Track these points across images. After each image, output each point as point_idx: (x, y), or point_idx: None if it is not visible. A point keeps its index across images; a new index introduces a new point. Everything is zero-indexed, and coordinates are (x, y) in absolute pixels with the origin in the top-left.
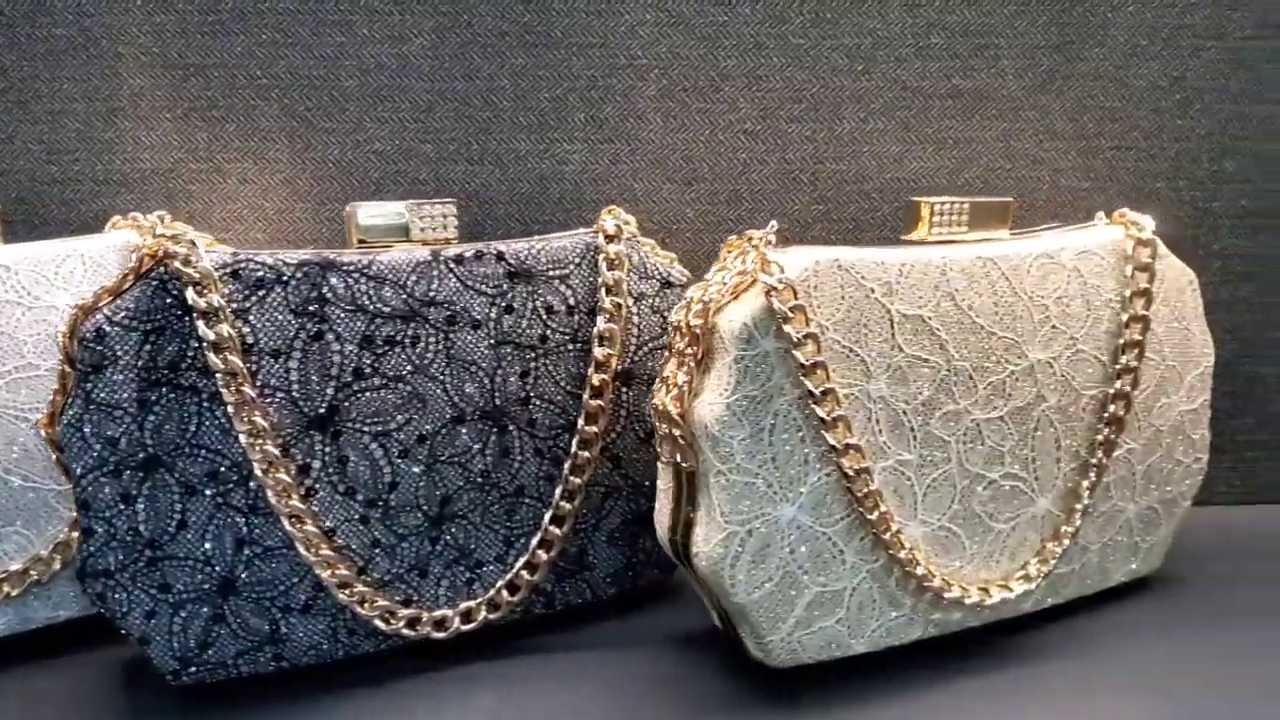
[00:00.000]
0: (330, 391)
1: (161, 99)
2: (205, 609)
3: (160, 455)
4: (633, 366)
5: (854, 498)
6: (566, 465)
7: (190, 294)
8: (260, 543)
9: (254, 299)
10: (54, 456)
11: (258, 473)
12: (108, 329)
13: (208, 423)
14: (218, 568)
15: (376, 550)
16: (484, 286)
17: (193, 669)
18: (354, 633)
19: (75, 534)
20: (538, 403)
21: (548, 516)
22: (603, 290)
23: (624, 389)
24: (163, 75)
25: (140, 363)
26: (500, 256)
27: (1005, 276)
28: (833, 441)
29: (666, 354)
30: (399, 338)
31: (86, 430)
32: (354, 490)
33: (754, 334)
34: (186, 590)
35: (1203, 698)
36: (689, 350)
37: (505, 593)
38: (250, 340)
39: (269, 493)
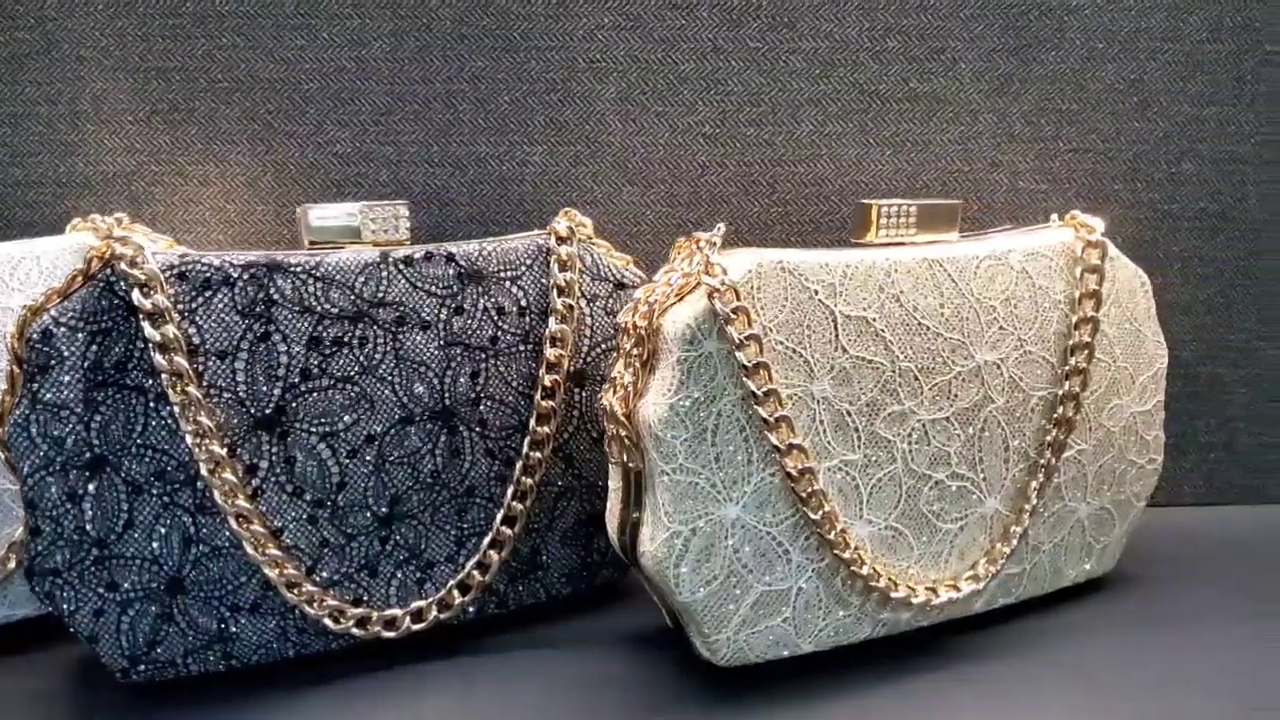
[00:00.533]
0: (277, 392)
1: (124, 102)
2: (153, 607)
3: (107, 455)
4: (585, 367)
5: (798, 498)
6: (518, 466)
7: (136, 295)
8: (208, 542)
9: (200, 300)
10: (2, 456)
11: (204, 473)
12: (54, 330)
13: (154, 423)
14: (165, 567)
15: (325, 550)
16: (433, 288)
17: (142, 667)
18: (304, 632)
19: None
20: (488, 403)
21: (499, 517)
22: (554, 292)
23: (577, 390)
24: (125, 79)
25: (87, 363)
26: (450, 258)
27: (951, 278)
28: (776, 442)
29: (615, 355)
30: (346, 339)
31: (33, 430)
32: (302, 490)
33: (697, 335)
34: (134, 589)
35: (1146, 697)
36: (635, 351)
37: (457, 593)
38: (196, 341)
39: (215, 493)
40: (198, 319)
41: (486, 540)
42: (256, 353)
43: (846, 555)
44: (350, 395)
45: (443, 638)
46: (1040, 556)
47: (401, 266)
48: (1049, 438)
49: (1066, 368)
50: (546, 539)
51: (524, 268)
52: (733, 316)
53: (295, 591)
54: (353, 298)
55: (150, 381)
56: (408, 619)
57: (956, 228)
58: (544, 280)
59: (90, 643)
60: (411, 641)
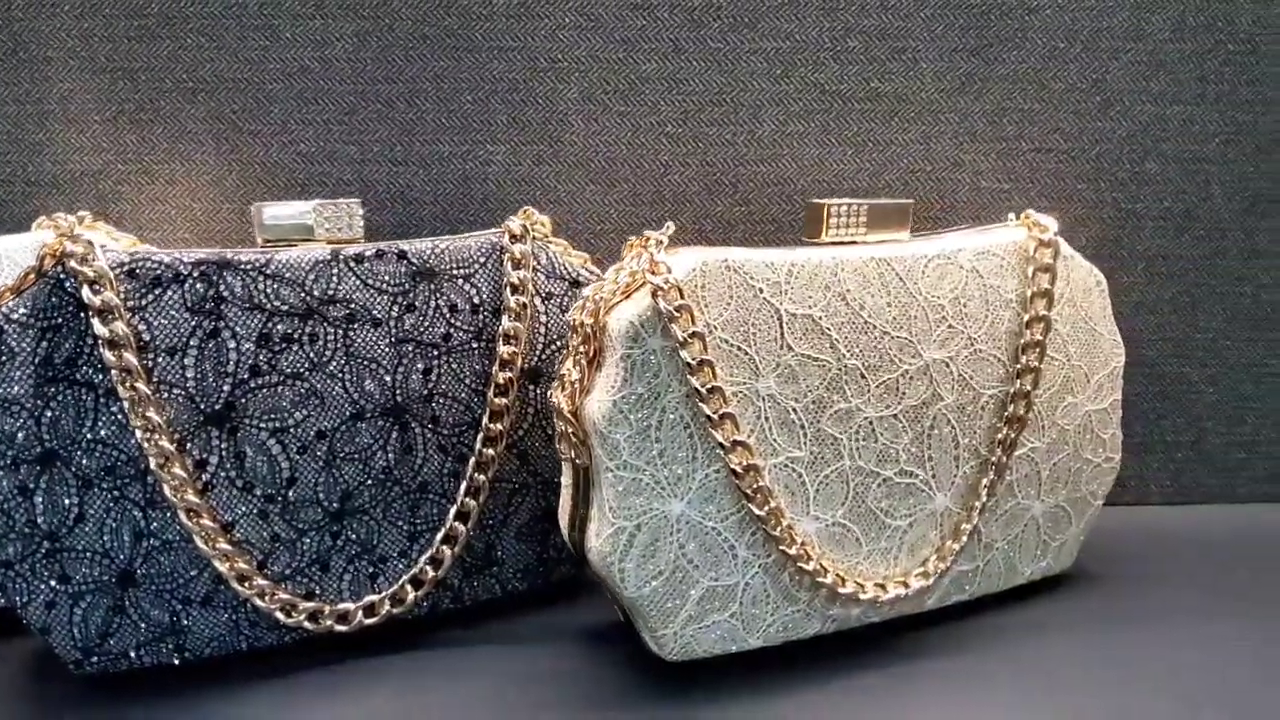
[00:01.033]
0: (226, 388)
1: (90, 102)
2: (105, 600)
3: (58, 449)
4: (540, 365)
5: (743, 494)
6: (471, 462)
7: (86, 292)
8: (158, 536)
9: (150, 297)
10: None
11: (153, 467)
12: (5, 326)
13: (104, 418)
14: (116, 560)
15: (277, 544)
16: (384, 285)
17: (95, 659)
18: (256, 625)
19: None
20: (441, 400)
21: (452, 512)
22: (508, 289)
23: (532, 387)
24: (91, 79)
25: (38, 359)
26: (402, 255)
27: (899, 277)
28: (720, 439)
29: (565, 352)
30: (296, 335)
31: None
32: (252, 485)
33: (640, 333)
34: (86, 582)
35: (1095, 694)
36: (582, 348)
37: (410, 588)
38: (146, 338)
39: (165, 487)
40: (147, 315)
41: (439, 536)
42: (206, 349)
43: (793, 551)
44: (300, 391)
45: (397, 632)
46: (994, 554)
47: (352, 264)
48: (1000, 435)
49: (1018, 366)
50: (501, 535)
51: (477, 265)
52: (676, 314)
53: (246, 585)
54: (303, 295)
55: (100, 377)
56: (360, 613)
57: (908, 227)
58: (498, 278)
59: (43, 634)
60: (365, 636)
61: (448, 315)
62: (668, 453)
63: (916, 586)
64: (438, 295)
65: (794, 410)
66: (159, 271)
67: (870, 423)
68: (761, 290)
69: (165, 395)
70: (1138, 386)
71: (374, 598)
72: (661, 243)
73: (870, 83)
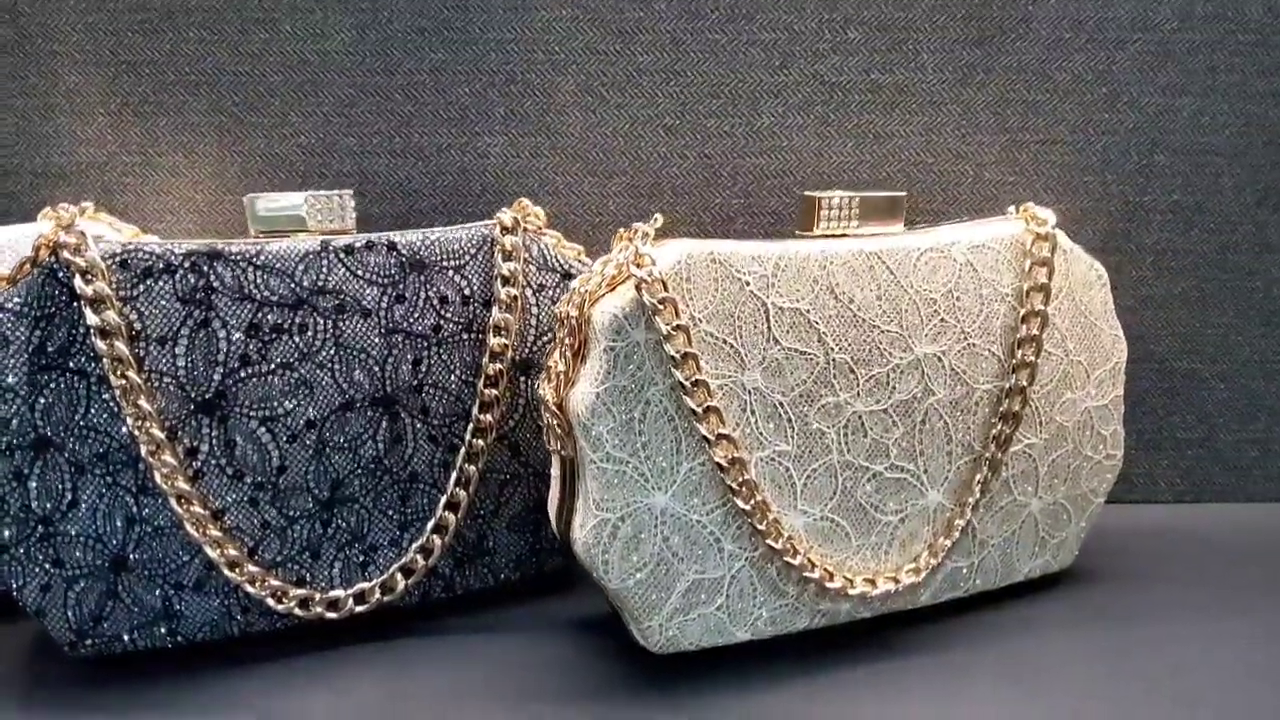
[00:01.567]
0: (217, 377)
1: (95, 95)
2: (99, 584)
3: (51, 436)
4: (532, 356)
5: (728, 488)
6: (461, 453)
7: (78, 282)
8: (150, 522)
9: (141, 287)
10: None
11: (144, 455)
12: (0, 315)
13: (96, 406)
14: (109, 545)
15: (267, 531)
16: (374, 276)
17: (89, 641)
18: (248, 611)
19: None
20: (431, 391)
21: (442, 503)
22: (498, 281)
23: (523, 378)
24: (96, 72)
25: (31, 347)
26: (392, 247)
27: (890, 270)
28: (705, 432)
29: (553, 344)
30: (286, 325)
31: None
32: (242, 473)
33: (624, 325)
34: (79, 566)
35: (1085, 693)
36: (568, 340)
37: (400, 576)
38: (138, 327)
39: (156, 474)
40: (139, 305)
41: (430, 525)
42: (196, 339)
43: (779, 545)
44: (290, 381)
45: (388, 621)
46: (989, 551)
47: (342, 255)
48: (995, 431)
49: (1014, 361)
50: (493, 525)
51: (468, 257)
52: (660, 307)
53: (237, 571)
54: (292, 285)
55: (92, 366)
56: (351, 601)
57: (902, 220)
58: (489, 270)
59: (38, 617)
60: (357, 623)
61: (438, 306)
62: (651, 445)
63: (907, 582)
64: (428, 286)
65: (781, 404)
66: (150, 262)
67: (860, 417)
68: (748, 283)
69: (156, 384)
70: (1147, 383)
71: (365, 585)
72: (647, 235)
73: (870, 74)
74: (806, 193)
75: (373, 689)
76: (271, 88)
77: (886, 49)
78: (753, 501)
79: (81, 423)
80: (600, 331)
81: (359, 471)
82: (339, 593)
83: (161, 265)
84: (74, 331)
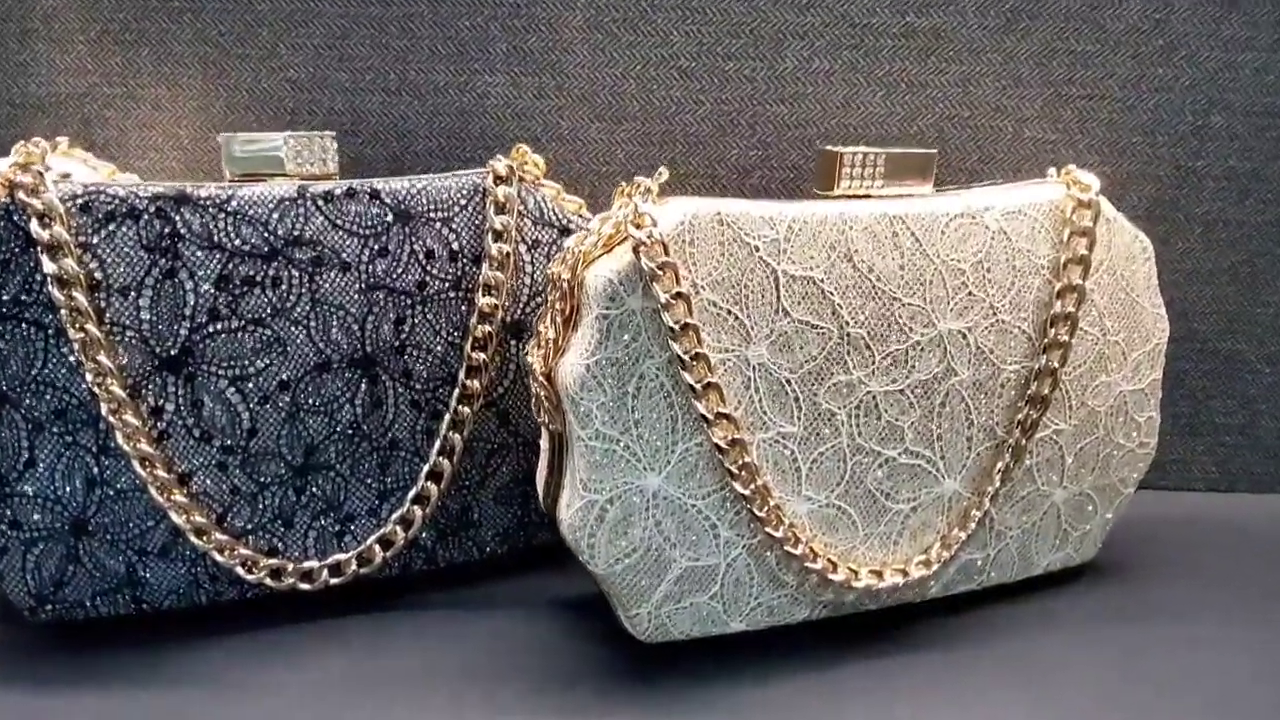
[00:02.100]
0: (183, 332)
1: (74, 21)
2: (58, 548)
3: (6, 391)
4: (524, 318)
5: (727, 470)
6: (446, 420)
7: (34, 226)
8: (112, 484)
9: (103, 233)
10: None
11: (105, 414)
12: None
13: (54, 360)
14: (69, 507)
15: (237, 498)
16: (355, 227)
17: (50, 606)
18: (216, 579)
19: None
20: (414, 352)
21: (424, 472)
22: (490, 236)
23: (513, 341)
24: None
25: None
26: (375, 195)
27: (915, 236)
28: (703, 410)
29: (544, 307)
30: (258, 278)
31: None
32: (210, 435)
33: (619, 291)
34: (37, 528)
35: (1093, 699)
36: (559, 305)
37: (378, 548)
38: (99, 276)
39: (118, 434)
40: (100, 253)
41: (411, 495)
42: (162, 290)
43: (779, 533)
44: (262, 338)
45: (367, 592)
46: (1006, 542)
47: (320, 203)
48: (1020, 416)
49: (1045, 340)
50: (479, 496)
51: (457, 209)
52: (659, 273)
53: (204, 539)
54: (266, 235)
55: (49, 317)
56: (325, 572)
57: (931, 180)
58: (480, 223)
59: None
60: (334, 595)
61: (423, 261)
62: (645, 422)
63: (917, 575)
64: (413, 239)
65: (788, 381)
66: (113, 206)
67: (874, 397)
68: (758, 249)
69: (118, 338)
70: (1186, 363)
71: (341, 557)
72: (649, 191)
73: (905, 17)
74: (827, 147)
75: (342, 665)
76: (259, 17)
77: None
78: (753, 486)
79: (38, 377)
80: (593, 297)
81: (335, 437)
82: (313, 563)
83: (125, 210)
84: (30, 279)
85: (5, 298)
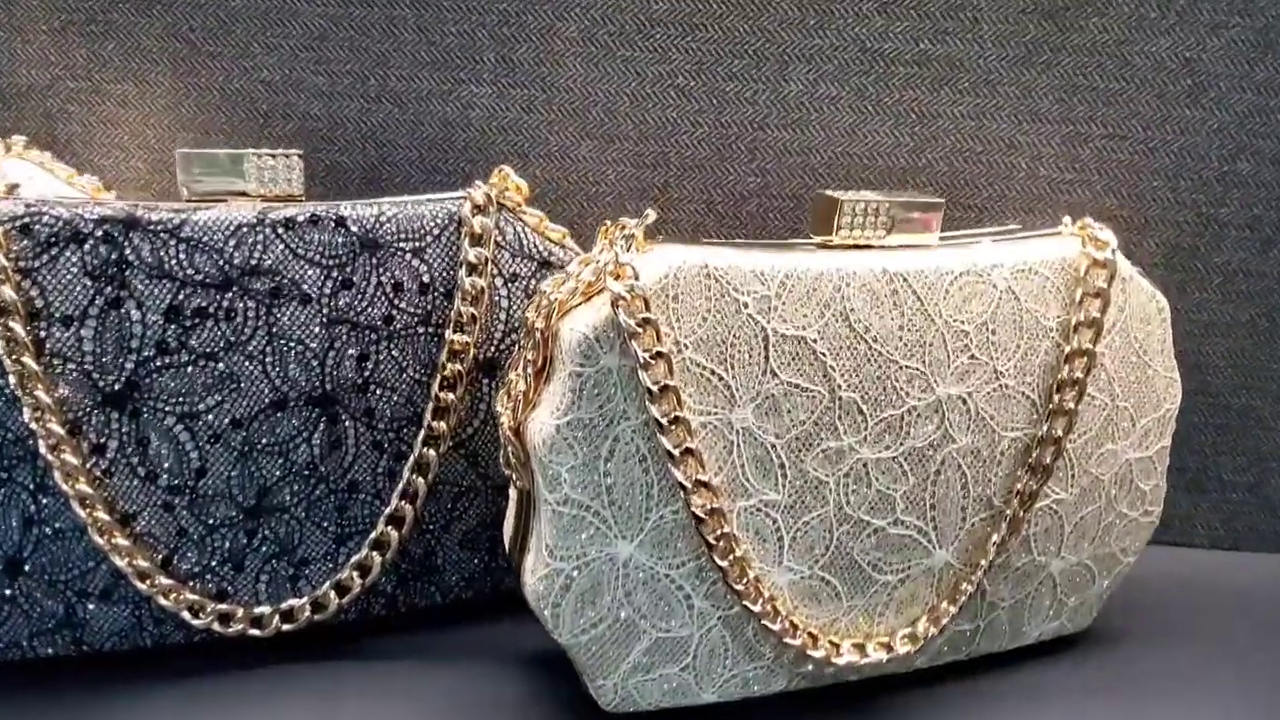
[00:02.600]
0: (129, 366)
1: (36, 9)
2: None
3: None
4: (498, 356)
5: (704, 541)
6: (409, 462)
7: None
8: (50, 523)
9: (45, 258)
10: None
11: (43, 451)
12: None
13: None
14: (3, 546)
15: (183, 539)
16: (318, 256)
17: None
18: (162, 622)
19: None
20: (378, 391)
21: (384, 516)
22: (463, 269)
23: (486, 381)
24: None
25: None
26: (340, 222)
27: (917, 295)
28: (680, 477)
29: (517, 352)
30: (211, 309)
31: None
32: (155, 475)
33: (595, 348)
34: None
35: None
36: (531, 355)
37: (333, 594)
38: (39, 304)
39: (56, 473)
40: (40, 279)
41: (369, 540)
42: (107, 321)
43: (757, 607)
44: (214, 374)
45: (322, 637)
46: (998, 613)
47: (281, 230)
48: (1019, 485)
49: (1050, 407)
50: (443, 540)
51: (430, 239)
52: (638, 330)
53: (148, 582)
54: (220, 263)
55: None
56: (277, 618)
57: (936, 230)
58: (453, 254)
59: None
60: (286, 640)
61: (391, 294)
62: (618, 487)
63: (901, 651)
64: (380, 270)
65: (773, 447)
66: (56, 229)
67: (865, 465)
68: (746, 305)
69: (58, 371)
70: (1197, 417)
71: (294, 602)
72: (632, 238)
73: (919, 43)
74: (826, 192)
75: (293, 715)
76: (233, 12)
77: (940, 15)
78: (731, 557)
79: None
80: (567, 352)
81: (290, 478)
82: (264, 609)
83: (69, 233)
84: None
85: None
